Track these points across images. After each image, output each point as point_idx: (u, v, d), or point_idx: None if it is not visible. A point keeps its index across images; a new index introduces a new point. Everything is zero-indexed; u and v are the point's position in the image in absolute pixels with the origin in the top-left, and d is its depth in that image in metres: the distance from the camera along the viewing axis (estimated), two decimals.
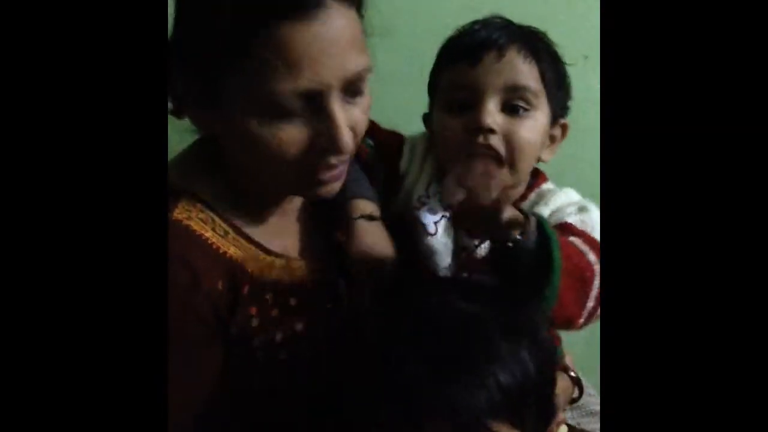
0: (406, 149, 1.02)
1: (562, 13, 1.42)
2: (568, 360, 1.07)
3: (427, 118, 1.03)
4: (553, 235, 0.82)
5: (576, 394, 1.06)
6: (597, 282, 0.85)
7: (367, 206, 0.96)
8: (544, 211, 0.98)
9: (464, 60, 0.93)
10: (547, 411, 0.81)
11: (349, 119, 0.85)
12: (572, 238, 0.88)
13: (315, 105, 0.82)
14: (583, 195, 1.02)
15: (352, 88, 0.84)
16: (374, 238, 0.95)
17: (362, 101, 0.87)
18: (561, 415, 0.86)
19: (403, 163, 1.01)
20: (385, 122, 1.08)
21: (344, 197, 0.96)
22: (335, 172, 0.88)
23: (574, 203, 0.99)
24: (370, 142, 1.01)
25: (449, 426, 0.71)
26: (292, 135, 0.82)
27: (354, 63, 0.82)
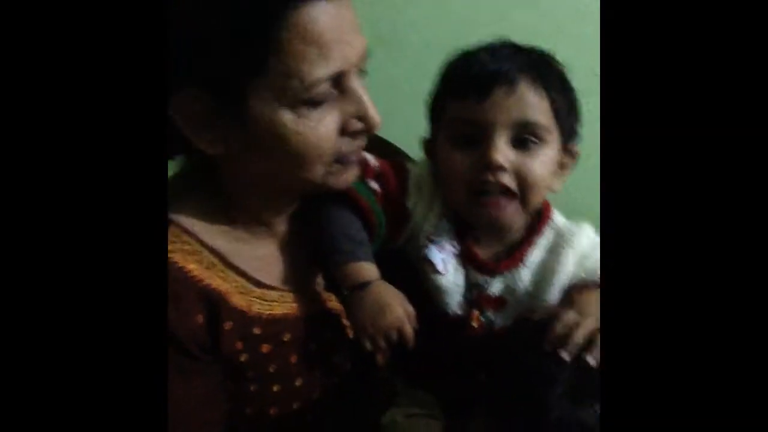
0: (411, 185, 0.95)
1: (568, 27, 1.38)
2: None
3: (426, 144, 0.97)
4: None
5: None
6: None
7: (369, 270, 0.90)
8: (570, 255, 0.93)
9: (472, 94, 0.87)
10: None
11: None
12: None
13: (340, 88, 0.81)
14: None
15: (361, 68, 0.84)
16: (375, 305, 0.88)
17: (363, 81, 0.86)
18: None
19: (411, 202, 0.95)
20: (393, 134, 1.05)
21: (336, 245, 0.91)
22: (358, 155, 0.88)
23: (596, 247, 0.94)
24: (374, 185, 0.94)
25: None
26: (328, 121, 0.81)
27: (362, 43, 0.82)
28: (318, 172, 0.84)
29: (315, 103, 0.80)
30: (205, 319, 0.83)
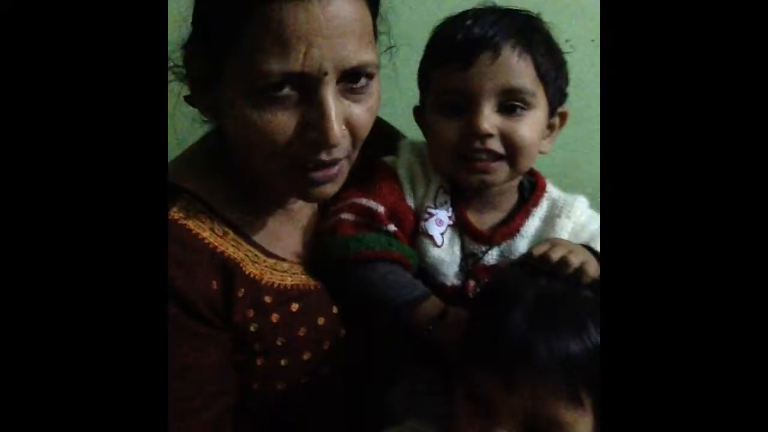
0: (404, 179, 0.97)
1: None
2: None
3: (417, 112, 1.00)
4: None
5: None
6: None
7: (436, 305, 0.91)
8: (567, 224, 0.95)
9: (456, 61, 0.89)
10: None
11: (345, 114, 0.82)
12: None
13: (307, 92, 0.80)
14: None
15: (353, 83, 0.82)
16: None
17: (366, 100, 0.84)
18: None
19: (410, 196, 0.97)
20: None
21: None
22: (329, 171, 0.85)
23: (591, 219, 0.96)
24: (391, 228, 0.94)
25: (549, 384, 0.73)
26: (282, 121, 0.80)
27: (353, 54, 0.79)
28: (275, 170, 0.84)
29: (272, 99, 0.79)
30: (220, 286, 0.85)
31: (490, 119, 0.89)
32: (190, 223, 0.85)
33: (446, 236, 0.95)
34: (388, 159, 1.00)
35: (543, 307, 0.76)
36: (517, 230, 0.95)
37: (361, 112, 0.84)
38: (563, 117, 0.97)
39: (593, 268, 0.80)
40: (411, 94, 1.00)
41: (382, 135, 0.98)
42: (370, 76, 0.83)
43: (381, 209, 0.93)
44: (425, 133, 0.99)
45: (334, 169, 0.85)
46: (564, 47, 0.96)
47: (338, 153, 0.84)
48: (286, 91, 0.79)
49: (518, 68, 0.89)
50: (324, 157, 0.83)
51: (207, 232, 0.86)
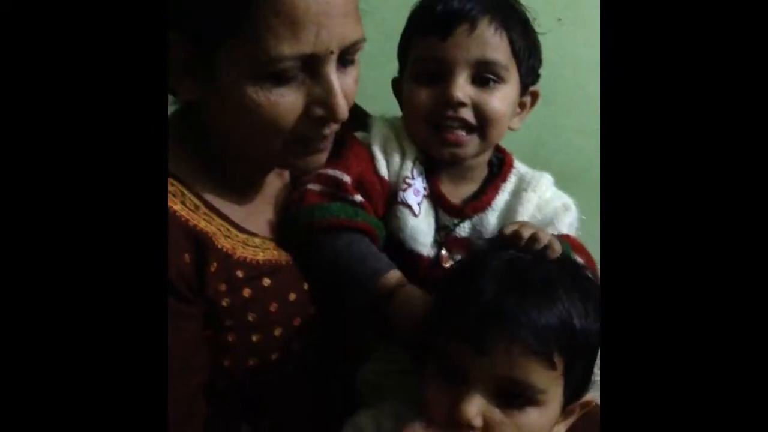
0: (377, 152, 0.98)
1: None
2: None
3: (395, 83, 1.03)
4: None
5: None
6: None
7: (396, 276, 0.91)
8: (533, 198, 0.99)
9: (435, 32, 0.93)
10: (587, 378, 0.83)
11: (342, 87, 0.84)
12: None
13: (312, 71, 0.82)
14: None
15: (346, 57, 0.85)
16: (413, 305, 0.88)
17: (353, 71, 0.87)
18: (591, 397, 0.85)
19: (384, 167, 0.98)
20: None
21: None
22: (326, 143, 0.88)
23: (555, 196, 1.01)
24: (358, 198, 0.95)
25: (519, 344, 0.74)
26: (290, 101, 0.82)
27: (352, 31, 0.83)
28: (275, 148, 0.86)
29: (279, 79, 0.81)
30: (192, 259, 0.85)
31: (464, 89, 0.93)
32: None
33: (423, 206, 0.97)
34: (359, 134, 1.02)
35: (512, 273, 0.78)
36: (489, 204, 0.99)
37: (351, 82, 0.87)
38: (534, 96, 1.02)
39: (558, 246, 0.83)
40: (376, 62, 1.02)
41: (352, 113, 0.98)
42: (359, 50, 0.86)
43: (347, 179, 0.95)
44: (401, 104, 1.01)
45: (328, 142, 0.89)
46: (555, 24, 1.03)
47: (336, 125, 0.87)
48: (294, 71, 0.81)
49: (493, 42, 0.93)
50: (327, 131, 0.87)
51: (178, 206, 0.85)
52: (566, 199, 1.01)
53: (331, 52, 0.82)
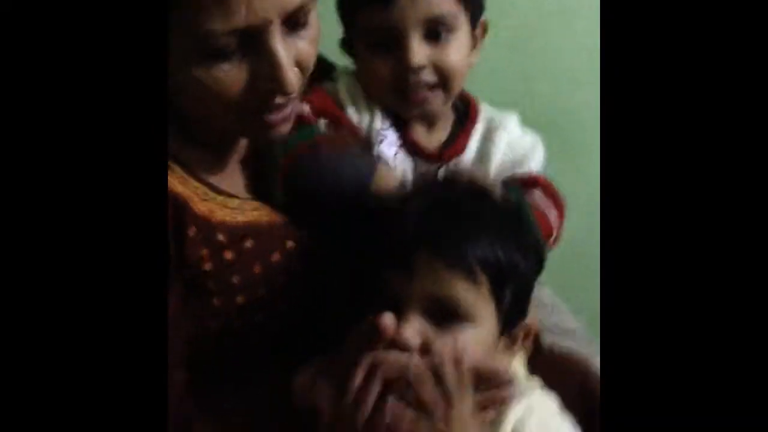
0: (345, 100, 0.99)
1: None
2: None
3: (343, 44, 1.02)
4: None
5: None
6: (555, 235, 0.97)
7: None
8: (503, 137, 1.01)
9: (377, 1, 0.92)
10: (523, 306, 0.87)
11: (294, 54, 0.81)
12: (539, 195, 0.96)
13: (254, 42, 0.78)
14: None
15: (294, 21, 0.80)
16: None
17: (308, 33, 0.83)
18: (534, 322, 0.89)
19: (354, 116, 0.99)
20: None
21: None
22: (284, 112, 0.85)
23: (525, 135, 1.03)
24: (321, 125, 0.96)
25: (440, 261, 0.79)
26: (232, 76, 0.79)
27: None
28: (229, 121, 0.84)
29: (219, 55, 0.77)
30: (170, 225, 0.82)
31: (419, 52, 0.93)
32: None
33: (398, 157, 0.98)
34: (327, 84, 1.00)
35: (440, 198, 0.84)
36: (463, 148, 1.00)
37: (307, 46, 0.83)
38: (483, 27, 1.01)
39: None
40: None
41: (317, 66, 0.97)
42: (310, 10, 0.82)
43: (306, 108, 0.94)
44: (357, 66, 1.01)
45: (288, 109, 0.85)
46: None
47: (293, 91, 0.83)
48: (231, 45, 0.77)
49: None
50: (280, 100, 0.83)
51: None
52: (533, 137, 1.03)
53: (270, 22, 0.77)
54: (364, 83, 0.99)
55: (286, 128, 0.87)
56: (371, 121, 0.98)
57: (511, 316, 0.85)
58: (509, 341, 0.86)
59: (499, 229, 0.83)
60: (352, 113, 0.98)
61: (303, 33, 0.82)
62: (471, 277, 0.80)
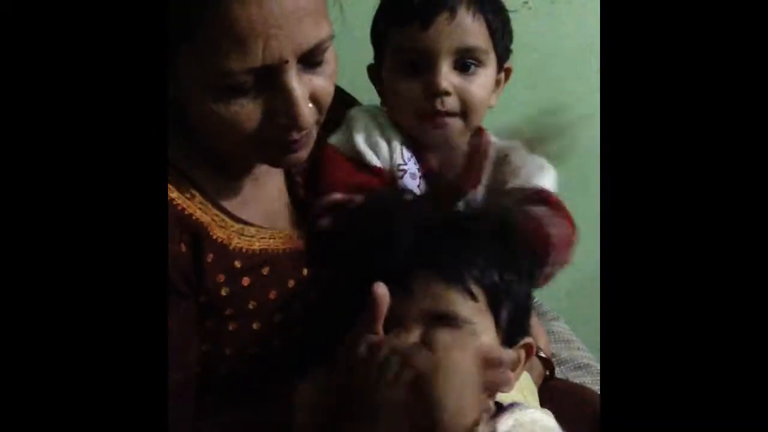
0: (362, 145, 1.00)
1: None
2: (543, 342, 1.10)
3: (372, 70, 1.05)
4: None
5: (547, 373, 1.10)
6: (555, 252, 0.93)
7: None
8: (511, 166, 1.00)
9: (415, 22, 0.95)
10: (521, 325, 0.86)
11: (309, 90, 0.83)
12: (545, 211, 0.95)
13: (270, 80, 0.80)
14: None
15: (311, 59, 0.82)
16: None
17: (325, 69, 0.85)
18: (533, 342, 0.88)
19: (371, 156, 1.00)
20: None
21: None
22: (300, 143, 0.86)
23: (530, 160, 1.02)
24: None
25: (437, 277, 0.80)
26: (248, 111, 0.81)
27: (311, 34, 0.80)
28: (245, 151, 0.86)
29: (236, 91, 0.79)
30: (188, 249, 0.84)
31: (447, 78, 0.96)
32: None
33: (421, 188, 0.99)
34: (335, 138, 1.02)
35: (434, 218, 0.84)
36: (479, 180, 1.00)
37: (323, 82, 0.85)
38: (508, 72, 1.05)
39: None
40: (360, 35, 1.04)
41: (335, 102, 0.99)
42: (326, 48, 0.83)
43: (337, 196, 0.96)
44: (380, 91, 1.04)
45: (306, 139, 0.87)
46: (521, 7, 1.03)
47: (308, 127, 0.85)
48: (248, 83, 0.79)
49: (473, 28, 0.96)
50: (295, 136, 0.84)
51: (175, 193, 0.85)
52: (539, 161, 1.03)
53: (286, 61, 0.78)
54: (389, 106, 1.02)
55: (304, 155, 0.89)
56: (390, 155, 1.00)
57: (511, 333, 0.84)
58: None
59: (492, 248, 0.84)
60: (368, 153, 1.00)
61: (319, 69, 0.84)
62: (469, 292, 0.80)
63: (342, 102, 1.04)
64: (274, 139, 0.84)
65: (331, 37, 0.83)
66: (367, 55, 1.04)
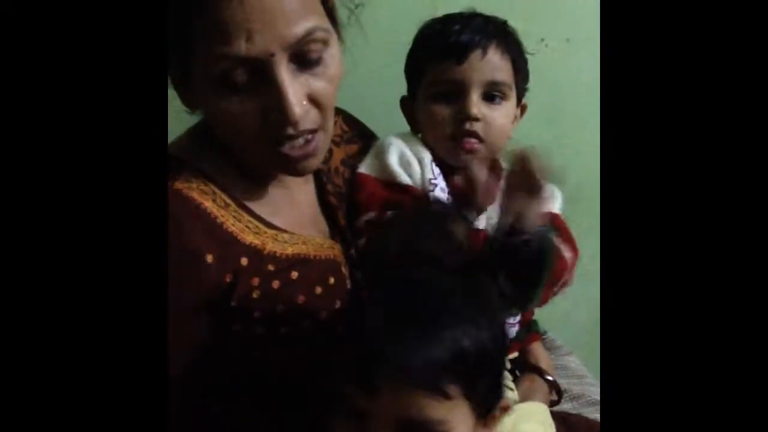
0: (396, 168, 1.08)
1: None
2: (545, 364, 1.19)
3: (404, 102, 1.17)
4: (550, 246, 0.90)
5: (554, 397, 1.18)
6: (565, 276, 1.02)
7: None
8: None
9: (452, 58, 1.08)
10: (498, 387, 0.83)
11: (306, 91, 0.84)
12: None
13: (261, 77, 0.82)
14: None
15: (304, 56, 0.83)
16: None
17: (324, 71, 0.86)
18: (508, 401, 0.86)
19: (404, 177, 1.08)
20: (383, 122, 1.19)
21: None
22: (306, 148, 0.87)
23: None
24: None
25: (407, 383, 0.73)
26: (243, 108, 0.83)
27: (299, 26, 0.81)
28: (253, 152, 0.87)
29: (230, 88, 0.82)
30: (215, 259, 0.85)
31: (478, 106, 1.08)
32: (195, 194, 0.86)
33: (449, 202, 1.07)
34: (364, 166, 1.11)
35: (397, 304, 0.77)
36: (495, 196, 1.02)
37: (322, 84, 0.86)
38: (523, 109, 1.18)
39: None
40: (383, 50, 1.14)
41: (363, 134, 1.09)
42: (322, 42, 0.84)
43: (372, 214, 1.04)
44: (411, 120, 1.16)
45: (311, 146, 0.88)
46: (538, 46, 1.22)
47: (306, 125, 0.86)
48: (241, 78, 0.81)
49: (501, 65, 1.09)
50: (291, 131, 0.85)
51: (210, 203, 0.87)
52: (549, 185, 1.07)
53: (272, 54, 0.80)
54: (424, 129, 1.13)
55: (315, 163, 0.90)
56: (422, 172, 1.10)
57: (488, 402, 0.80)
58: (489, 422, 0.82)
59: (462, 313, 0.77)
60: (400, 173, 1.09)
61: (317, 70, 0.85)
62: (441, 395, 0.73)
63: (362, 136, 1.13)
64: (273, 138, 0.85)
65: (325, 29, 0.84)
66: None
